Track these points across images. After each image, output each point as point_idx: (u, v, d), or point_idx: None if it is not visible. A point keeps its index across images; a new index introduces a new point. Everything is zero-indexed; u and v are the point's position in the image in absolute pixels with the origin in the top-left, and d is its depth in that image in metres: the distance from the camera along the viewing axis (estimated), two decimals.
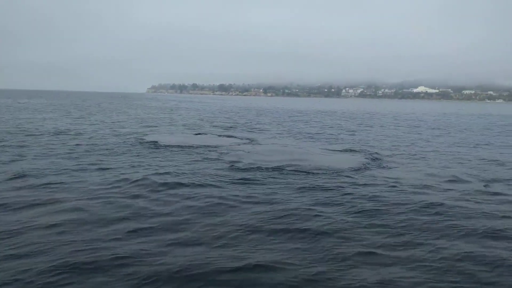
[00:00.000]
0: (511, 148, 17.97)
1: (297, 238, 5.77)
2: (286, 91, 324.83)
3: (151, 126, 23.69)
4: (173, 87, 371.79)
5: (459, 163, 12.95)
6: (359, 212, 7.02)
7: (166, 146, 14.41)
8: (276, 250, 5.33)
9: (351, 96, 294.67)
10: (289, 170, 10.39)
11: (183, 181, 8.87)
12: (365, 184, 9.10)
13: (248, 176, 9.59)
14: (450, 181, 9.88)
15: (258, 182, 9.11)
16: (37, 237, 5.51)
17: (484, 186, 9.35)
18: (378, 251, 5.35)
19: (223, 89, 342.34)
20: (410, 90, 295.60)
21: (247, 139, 17.93)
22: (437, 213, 6.98)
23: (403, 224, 6.40)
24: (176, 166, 10.74)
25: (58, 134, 17.45)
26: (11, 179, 8.78)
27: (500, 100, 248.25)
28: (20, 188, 8.04)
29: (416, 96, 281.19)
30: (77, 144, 14.28)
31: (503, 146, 18.74)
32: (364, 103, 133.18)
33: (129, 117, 32.15)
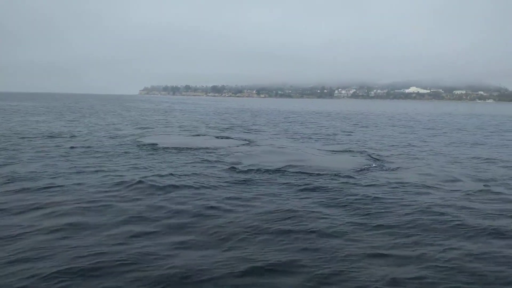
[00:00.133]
0: (507, 147, 18.10)
1: (305, 239, 5.69)
2: (279, 92, 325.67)
3: (146, 128, 23.45)
4: (165, 88, 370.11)
5: (458, 162, 12.98)
6: (365, 213, 6.96)
7: (164, 148, 14.24)
8: (285, 251, 5.25)
9: (343, 96, 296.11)
10: (290, 171, 10.31)
11: (184, 183, 8.75)
12: (367, 185, 9.05)
13: (249, 178, 9.50)
14: (451, 181, 9.88)
15: (260, 183, 9.02)
16: (39, 242, 5.35)
17: (485, 186, 9.34)
18: (388, 252, 5.29)
19: (216, 90, 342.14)
20: (402, 90, 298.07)
21: (245, 140, 17.83)
22: (442, 214, 6.94)
23: (410, 225, 6.35)
24: (176, 168, 10.61)
25: (52, 137, 17.18)
26: (5, 183, 8.56)
27: (491, 100, 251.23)
28: (17, 192, 7.85)
29: (408, 96, 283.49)
30: (71, 147, 14.04)
31: (499, 145, 18.88)
32: (357, 104, 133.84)
33: (123, 119, 31.85)
